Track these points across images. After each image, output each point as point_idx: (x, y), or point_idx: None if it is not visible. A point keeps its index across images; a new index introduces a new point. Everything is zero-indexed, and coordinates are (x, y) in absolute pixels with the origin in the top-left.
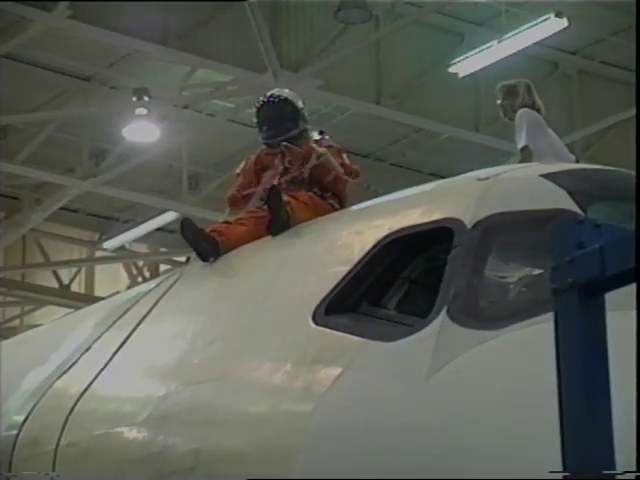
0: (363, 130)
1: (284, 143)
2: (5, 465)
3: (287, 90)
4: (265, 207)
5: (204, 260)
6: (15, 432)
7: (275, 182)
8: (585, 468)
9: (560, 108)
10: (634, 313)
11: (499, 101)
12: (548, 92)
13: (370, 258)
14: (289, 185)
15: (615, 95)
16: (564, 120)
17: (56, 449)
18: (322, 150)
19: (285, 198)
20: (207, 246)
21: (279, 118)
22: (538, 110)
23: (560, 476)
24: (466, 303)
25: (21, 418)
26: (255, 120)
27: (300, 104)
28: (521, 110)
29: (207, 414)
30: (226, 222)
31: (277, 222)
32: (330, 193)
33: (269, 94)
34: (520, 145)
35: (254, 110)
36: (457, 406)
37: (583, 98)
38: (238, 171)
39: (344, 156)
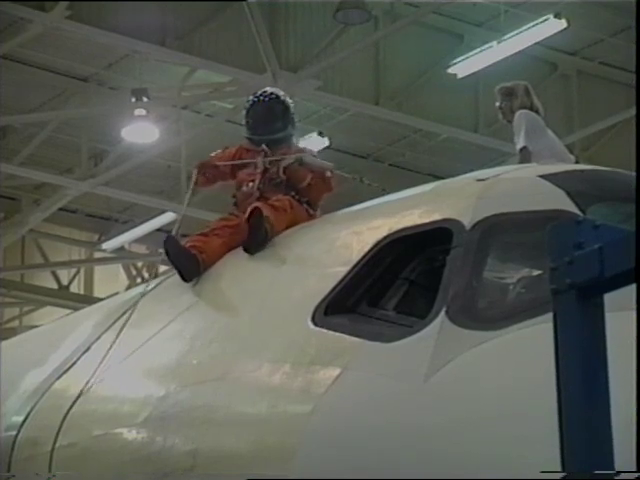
0: (362, 131)
1: (264, 145)
2: (4, 465)
3: (282, 92)
4: (237, 212)
5: (186, 281)
6: (14, 433)
7: (256, 184)
8: (584, 469)
9: (559, 109)
10: (633, 314)
11: (498, 103)
12: (547, 93)
13: (369, 259)
14: (267, 186)
15: (614, 96)
16: (563, 121)
17: (55, 450)
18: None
19: (265, 212)
20: (189, 265)
21: (269, 116)
22: (537, 111)
23: (559, 476)
24: (465, 304)
25: (20, 419)
26: (244, 118)
27: (292, 108)
28: (520, 111)
29: (206, 415)
30: (202, 234)
31: (255, 243)
32: (305, 199)
33: (262, 91)
34: (519, 146)
35: (246, 106)
36: (456, 407)
37: (582, 99)
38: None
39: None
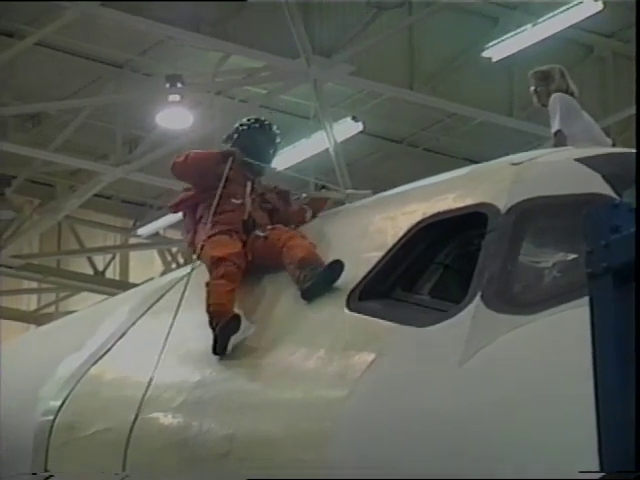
0: (396, 115)
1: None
2: (42, 450)
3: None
4: (231, 227)
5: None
6: (51, 417)
7: (248, 206)
8: (622, 460)
9: (595, 92)
10: None
11: (533, 87)
12: (583, 76)
13: (404, 243)
14: (254, 205)
15: None
16: (599, 104)
17: (92, 435)
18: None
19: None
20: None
21: (273, 148)
22: (572, 95)
23: (597, 476)
24: (500, 288)
25: (57, 403)
26: (238, 137)
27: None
28: (555, 95)
29: (242, 400)
30: (220, 277)
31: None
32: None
33: (258, 118)
34: (554, 129)
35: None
36: (490, 392)
37: (618, 81)
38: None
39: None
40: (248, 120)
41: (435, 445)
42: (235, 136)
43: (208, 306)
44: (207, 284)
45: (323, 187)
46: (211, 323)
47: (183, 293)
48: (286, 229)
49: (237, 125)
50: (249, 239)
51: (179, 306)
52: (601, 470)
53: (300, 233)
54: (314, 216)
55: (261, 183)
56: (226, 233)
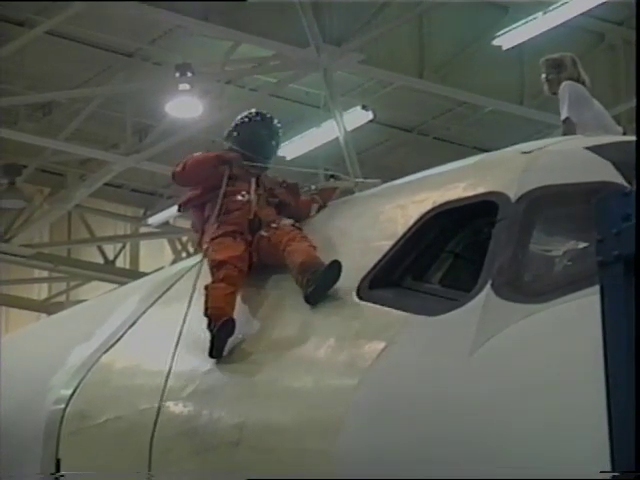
0: (406, 104)
1: (313, 187)
2: (53, 439)
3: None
4: (234, 227)
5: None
6: (62, 406)
7: (253, 202)
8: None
9: (606, 80)
10: None
11: (544, 75)
12: (594, 64)
13: (414, 232)
14: (260, 202)
15: None
16: (610, 92)
17: (103, 423)
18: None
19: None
20: (231, 329)
21: (275, 141)
22: (583, 83)
23: (609, 476)
24: (511, 277)
25: (68, 392)
26: (237, 132)
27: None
28: (565, 82)
29: (252, 388)
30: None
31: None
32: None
33: (257, 111)
34: (562, 117)
35: (244, 121)
36: (501, 380)
37: (629, 69)
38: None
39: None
40: (249, 113)
41: (446, 433)
42: (235, 134)
43: (206, 309)
44: (206, 287)
45: (332, 176)
46: (208, 326)
47: (196, 281)
48: (289, 229)
49: (236, 121)
50: (255, 239)
51: (192, 294)
52: (612, 458)
53: (301, 234)
54: (324, 206)
55: (268, 177)
56: (230, 235)
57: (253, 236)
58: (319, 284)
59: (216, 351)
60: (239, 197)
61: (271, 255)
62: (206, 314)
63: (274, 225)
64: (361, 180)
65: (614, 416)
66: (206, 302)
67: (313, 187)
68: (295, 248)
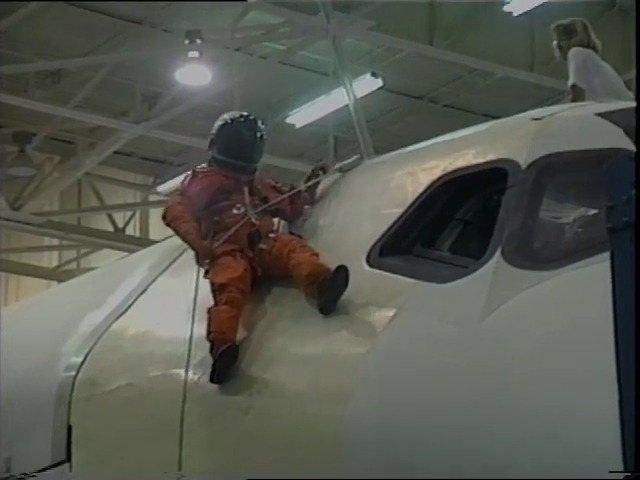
0: (416, 71)
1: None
2: (64, 405)
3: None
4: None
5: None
6: (74, 373)
7: (249, 210)
8: None
9: (618, 45)
10: None
11: (555, 41)
12: (605, 29)
13: (424, 200)
14: (261, 221)
15: None
16: (622, 57)
17: (114, 390)
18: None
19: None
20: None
21: (260, 143)
22: (594, 48)
23: (621, 476)
24: (521, 244)
25: (79, 359)
26: (217, 137)
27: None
28: (572, 49)
29: (262, 355)
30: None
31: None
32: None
33: (240, 113)
34: (569, 83)
35: (226, 121)
36: (511, 347)
37: None
38: (184, 182)
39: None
40: (231, 115)
41: (455, 400)
42: (217, 140)
43: (208, 333)
44: (209, 310)
45: (321, 169)
46: (211, 350)
47: None
48: (287, 239)
49: (218, 124)
50: (255, 254)
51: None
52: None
53: (301, 242)
54: (313, 203)
55: (261, 180)
56: (230, 254)
57: (254, 250)
58: (329, 296)
59: (217, 377)
60: (234, 211)
61: (275, 267)
62: (208, 338)
63: (272, 236)
64: (342, 163)
65: (624, 380)
66: (209, 326)
67: (303, 188)
68: (298, 260)
